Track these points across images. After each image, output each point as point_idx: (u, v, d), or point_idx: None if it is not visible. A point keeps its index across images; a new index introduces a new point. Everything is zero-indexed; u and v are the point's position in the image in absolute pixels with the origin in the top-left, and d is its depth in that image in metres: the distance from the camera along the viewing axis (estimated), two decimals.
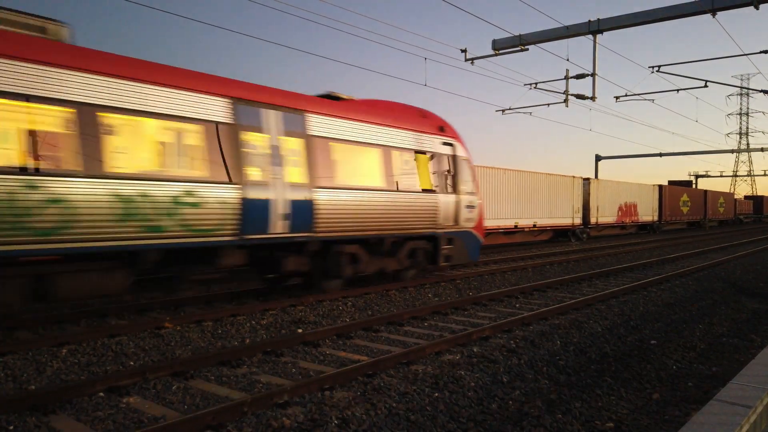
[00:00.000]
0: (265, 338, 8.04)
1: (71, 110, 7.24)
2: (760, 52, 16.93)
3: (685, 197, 45.37)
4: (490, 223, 23.28)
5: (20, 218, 6.63)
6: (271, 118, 9.57)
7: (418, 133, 12.41)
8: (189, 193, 8.25)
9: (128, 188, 7.62)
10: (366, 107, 11.54)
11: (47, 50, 7.20)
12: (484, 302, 11.05)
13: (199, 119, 8.59)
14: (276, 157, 9.53)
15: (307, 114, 10.14)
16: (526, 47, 17.62)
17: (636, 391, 5.94)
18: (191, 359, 6.43)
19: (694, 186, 65.16)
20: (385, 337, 8.21)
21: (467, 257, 13.68)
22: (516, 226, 25.19)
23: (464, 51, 18.27)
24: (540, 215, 26.91)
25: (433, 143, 12.72)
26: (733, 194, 62.31)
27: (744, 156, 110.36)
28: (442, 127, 13.17)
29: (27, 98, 6.87)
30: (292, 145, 9.81)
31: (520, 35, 17.57)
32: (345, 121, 10.80)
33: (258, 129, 9.35)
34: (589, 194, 31.09)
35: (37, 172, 6.82)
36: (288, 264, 10.12)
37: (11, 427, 4.81)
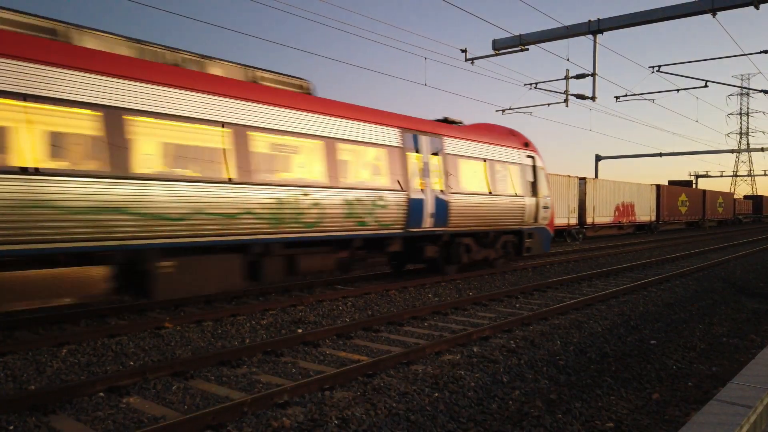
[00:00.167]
0: (265, 338, 8.05)
1: (320, 143, 10.30)
2: (760, 52, 16.94)
3: (683, 197, 45.24)
4: None
5: (299, 216, 9.72)
6: (423, 141, 12.58)
7: (510, 149, 15.35)
8: (380, 198, 11.26)
9: (351, 194, 10.64)
10: (474, 129, 14.67)
11: (312, 103, 10.33)
12: (484, 302, 11.05)
13: (385, 144, 11.61)
14: (426, 171, 12.52)
15: (443, 137, 13.19)
16: (526, 47, 17.63)
17: (636, 391, 5.94)
18: (191, 359, 6.43)
19: (694, 186, 65.11)
20: (385, 337, 8.21)
21: (542, 249, 16.66)
22: None
23: (464, 51, 18.28)
24: None
25: (520, 156, 15.68)
26: (732, 194, 62.22)
27: (744, 156, 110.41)
28: (526, 143, 16.13)
29: (295, 134, 9.90)
30: (435, 161, 12.82)
31: (520, 35, 17.57)
32: (464, 141, 13.81)
33: (415, 150, 12.36)
34: (585, 194, 30.93)
35: (307, 186, 9.91)
36: (427, 251, 13.04)
37: (11, 427, 4.81)
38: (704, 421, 3.29)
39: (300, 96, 10.19)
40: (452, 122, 14.56)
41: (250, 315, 9.53)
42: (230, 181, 8.71)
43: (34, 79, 6.86)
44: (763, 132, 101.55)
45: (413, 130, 12.36)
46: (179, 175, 8.17)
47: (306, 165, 9.97)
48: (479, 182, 13.98)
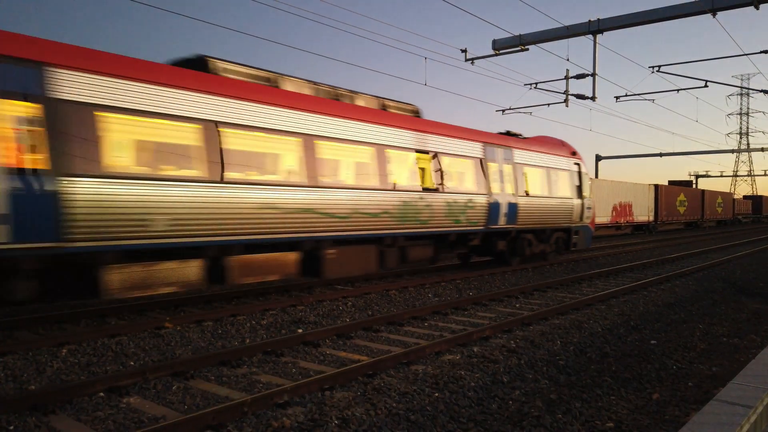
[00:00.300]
0: (265, 338, 8.04)
1: (430, 156, 12.75)
2: (760, 52, 16.93)
3: (681, 197, 45.13)
4: None
5: (416, 215, 12.15)
6: (498, 153, 15.02)
7: (561, 157, 17.79)
8: (470, 201, 13.68)
9: (451, 198, 13.13)
10: (534, 141, 17.02)
11: (424, 125, 12.87)
12: (484, 302, 11.05)
13: (472, 156, 14.06)
14: (501, 177, 14.91)
15: (513, 149, 15.60)
16: (527, 47, 17.62)
17: (636, 391, 5.94)
18: (191, 359, 6.43)
19: (694, 186, 65.04)
20: (385, 337, 8.21)
21: (585, 244, 19.25)
22: None
23: (464, 51, 18.27)
24: None
25: (569, 163, 18.12)
26: (731, 194, 62.15)
27: (744, 156, 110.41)
28: (573, 152, 18.57)
29: (414, 150, 12.38)
30: (507, 169, 15.22)
31: (520, 35, 17.57)
32: (528, 152, 16.27)
33: (493, 160, 14.74)
34: None
35: (422, 191, 12.31)
36: (499, 245, 15.52)
37: (11, 427, 4.81)
38: (704, 421, 3.29)
39: (416, 119, 12.78)
40: (514, 135, 16.78)
41: (250, 315, 9.53)
42: (376, 188, 11.24)
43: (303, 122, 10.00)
44: (763, 132, 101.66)
45: (491, 143, 14.83)
46: (347, 184, 10.65)
47: (421, 174, 12.43)
48: (540, 187, 16.43)
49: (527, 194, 15.75)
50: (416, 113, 13.27)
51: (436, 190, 12.65)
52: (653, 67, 18.42)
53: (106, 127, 7.45)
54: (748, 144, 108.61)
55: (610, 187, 33.87)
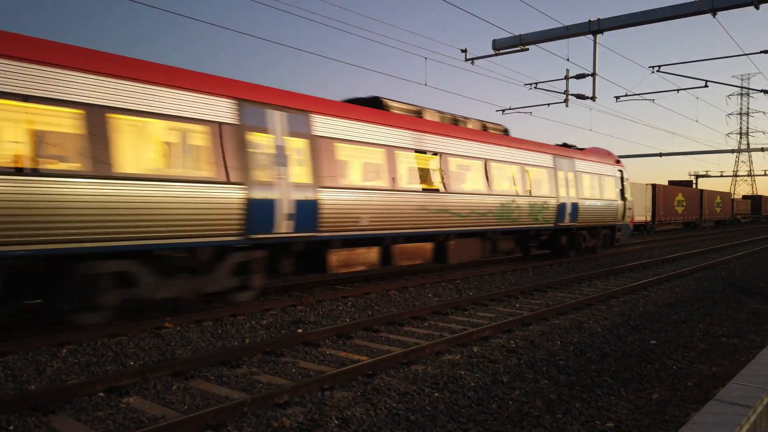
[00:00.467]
0: (265, 338, 8.04)
1: (519, 167, 15.72)
2: (760, 52, 16.93)
3: (679, 197, 44.98)
4: None
5: (509, 214, 15.02)
6: (564, 162, 17.94)
7: (608, 165, 20.89)
8: (545, 203, 16.55)
9: (533, 200, 15.92)
10: (587, 152, 20.08)
11: (514, 141, 15.87)
12: (484, 302, 11.05)
13: (546, 166, 16.93)
14: (566, 183, 17.78)
15: (574, 159, 18.61)
16: (527, 47, 17.62)
17: (636, 391, 5.94)
18: (191, 359, 6.43)
19: (694, 186, 64.99)
20: (385, 337, 8.21)
21: (626, 240, 22.37)
22: None
23: (464, 51, 18.27)
24: None
25: (614, 170, 21.21)
26: (730, 194, 62.06)
27: (744, 156, 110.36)
28: (617, 161, 21.77)
29: (509, 162, 15.35)
30: (570, 176, 18.13)
31: (520, 35, 17.57)
32: (585, 161, 19.32)
33: (560, 169, 17.67)
34: None
35: (514, 196, 15.12)
36: (562, 240, 18.40)
37: (11, 427, 4.81)
38: (704, 421, 3.29)
39: (507, 137, 15.73)
40: (571, 146, 19.64)
41: (250, 315, 9.53)
42: (485, 193, 14.10)
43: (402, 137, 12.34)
44: (763, 132, 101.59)
45: (559, 155, 17.70)
46: (464, 189, 13.53)
47: (512, 181, 15.23)
48: (593, 190, 19.37)
49: (584, 197, 18.66)
50: (506, 132, 16.26)
51: (524, 195, 15.56)
52: (653, 67, 18.42)
53: (340, 153, 10.66)
54: (748, 144, 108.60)
55: None
